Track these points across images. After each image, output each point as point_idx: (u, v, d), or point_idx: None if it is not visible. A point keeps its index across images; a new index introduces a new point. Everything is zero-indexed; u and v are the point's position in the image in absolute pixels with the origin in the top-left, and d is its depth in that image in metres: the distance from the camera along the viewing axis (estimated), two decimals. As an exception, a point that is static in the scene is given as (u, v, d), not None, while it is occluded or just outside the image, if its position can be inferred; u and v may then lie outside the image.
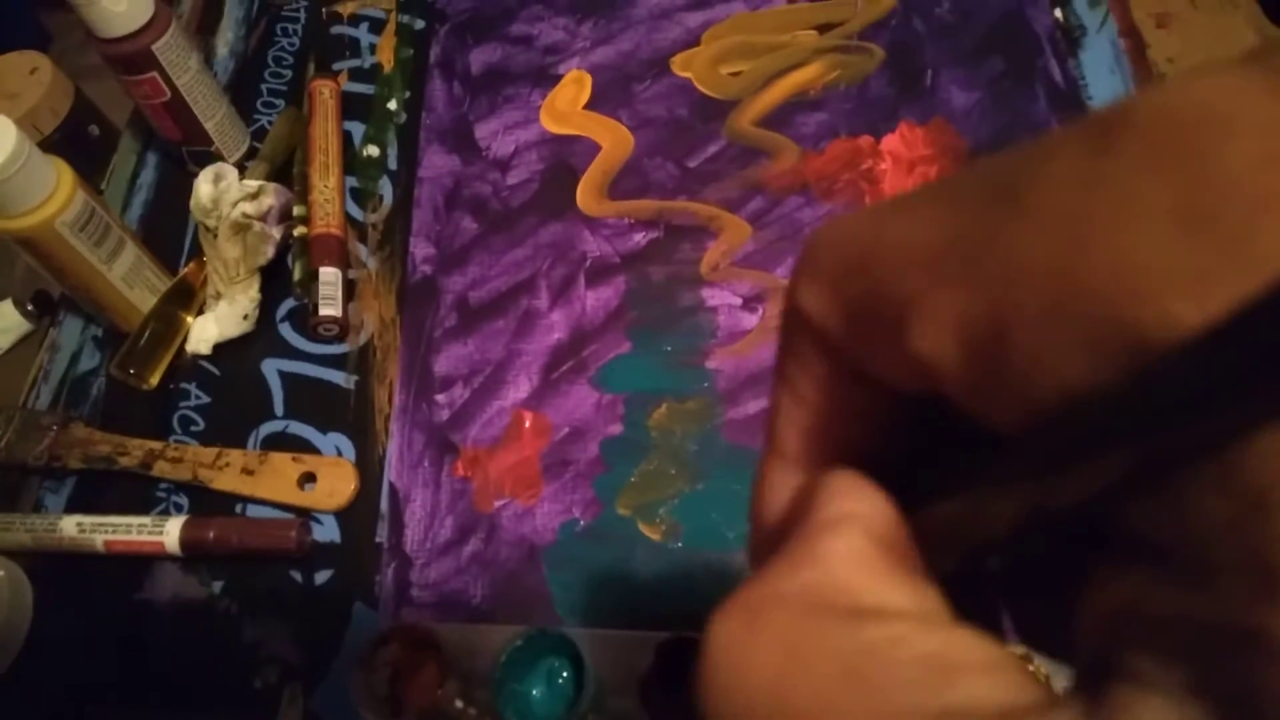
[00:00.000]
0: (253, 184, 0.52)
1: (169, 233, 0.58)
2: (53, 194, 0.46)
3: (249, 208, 0.52)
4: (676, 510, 0.46)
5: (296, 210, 0.56)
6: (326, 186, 0.55)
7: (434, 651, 0.39)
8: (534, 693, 0.40)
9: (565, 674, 0.40)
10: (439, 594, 0.46)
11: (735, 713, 0.13)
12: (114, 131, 0.70)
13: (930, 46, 0.58)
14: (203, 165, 0.53)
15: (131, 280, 0.52)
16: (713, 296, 0.51)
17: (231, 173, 0.53)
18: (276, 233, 0.53)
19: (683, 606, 0.43)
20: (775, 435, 0.16)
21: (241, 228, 0.52)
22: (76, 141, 0.71)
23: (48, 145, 0.67)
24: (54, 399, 0.54)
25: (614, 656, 0.38)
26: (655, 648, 0.36)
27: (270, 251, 0.53)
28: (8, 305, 0.61)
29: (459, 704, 0.38)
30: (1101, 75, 0.56)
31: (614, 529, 0.46)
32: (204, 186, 0.51)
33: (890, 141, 0.55)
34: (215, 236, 0.52)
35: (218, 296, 0.53)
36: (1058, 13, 0.58)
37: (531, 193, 0.56)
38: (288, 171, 0.58)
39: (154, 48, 0.51)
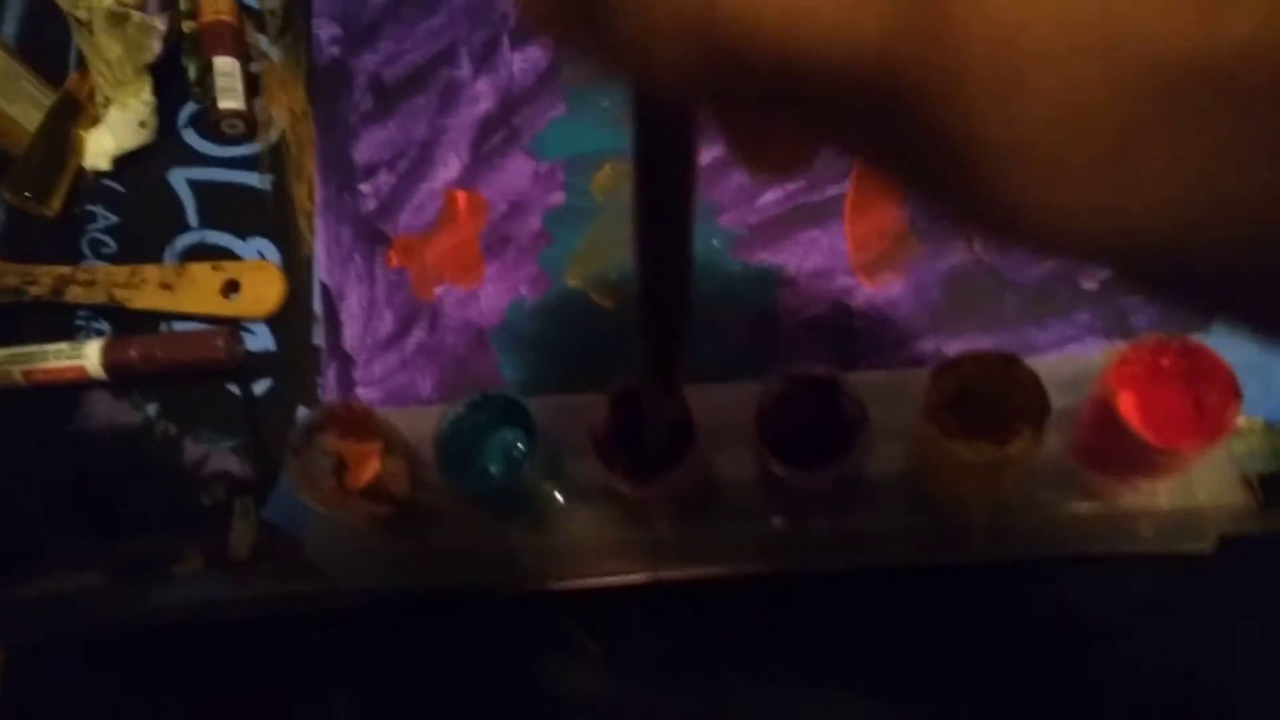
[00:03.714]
0: (120, -35, 0.46)
1: (52, 46, 0.51)
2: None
3: (121, -6, 0.46)
4: (629, 274, 0.42)
5: (183, 4, 0.50)
6: (211, -30, 0.49)
7: (376, 435, 0.36)
8: (491, 469, 0.37)
9: (520, 445, 0.37)
10: (385, 389, 0.43)
11: None
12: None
13: None
14: (66, -45, 0.47)
15: (8, 94, 0.46)
16: (652, 43, 0.46)
17: (97, -43, 0.47)
18: (160, 23, 0.48)
19: (643, 371, 0.40)
20: None
21: (119, 19, 0.46)
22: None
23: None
24: (-48, 237, 0.49)
25: (570, 421, 0.35)
26: (608, 398, 0.33)
27: (157, 46, 0.48)
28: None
29: (406, 485, 0.35)
30: None
31: (564, 302, 0.43)
32: (64, -29, 0.45)
33: None
34: (91, 32, 0.46)
35: (107, 103, 0.48)
36: None
37: (441, -48, 0.49)
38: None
39: None
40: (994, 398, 0.32)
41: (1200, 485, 0.33)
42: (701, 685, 0.38)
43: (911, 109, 0.12)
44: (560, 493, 0.37)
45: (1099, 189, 0.11)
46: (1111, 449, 0.32)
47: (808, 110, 0.14)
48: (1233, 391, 0.30)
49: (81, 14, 0.46)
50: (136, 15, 0.47)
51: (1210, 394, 0.30)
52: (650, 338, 0.23)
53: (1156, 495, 0.33)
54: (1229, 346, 0.37)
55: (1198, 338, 0.37)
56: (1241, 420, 0.36)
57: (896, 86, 0.12)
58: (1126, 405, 0.30)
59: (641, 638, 0.40)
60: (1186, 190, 0.11)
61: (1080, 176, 0.11)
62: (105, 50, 0.47)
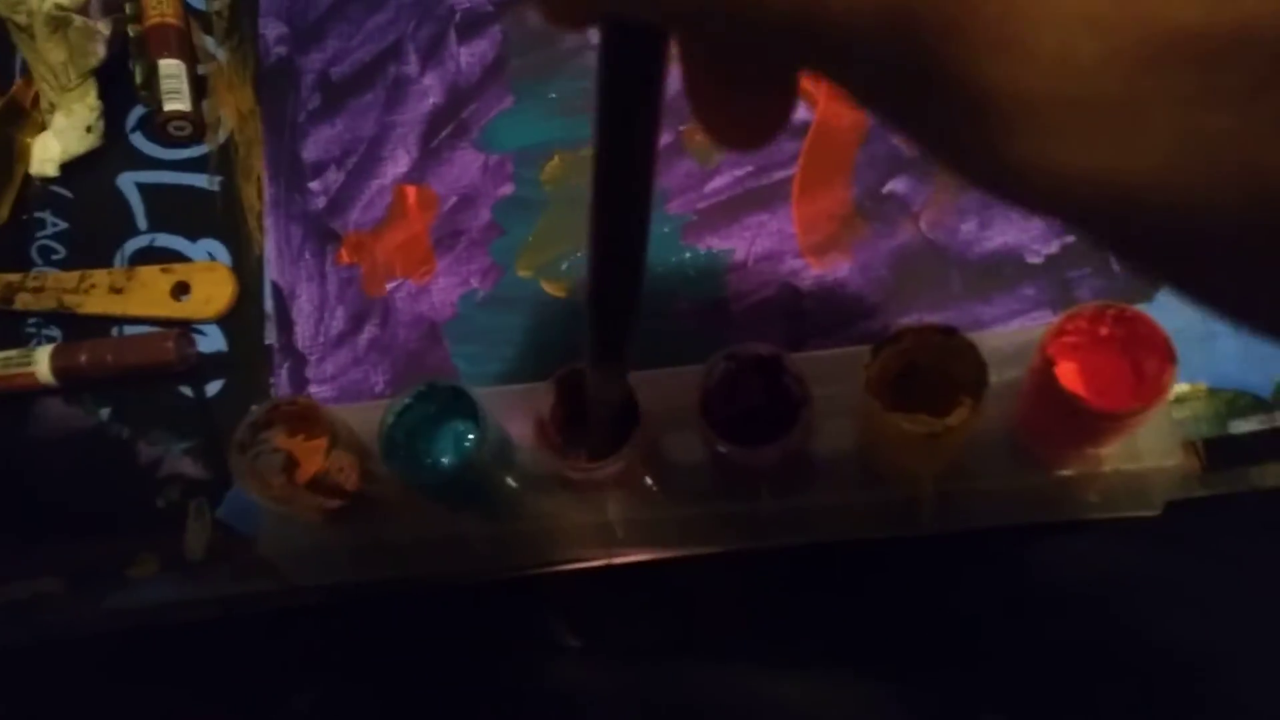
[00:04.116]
0: (59, -31, 0.46)
1: (-6, 53, 0.51)
2: None
3: (62, -2, 0.45)
4: (580, 263, 0.42)
5: (128, 8, 0.49)
6: (155, -28, 0.49)
7: (323, 429, 0.36)
8: (443, 460, 0.37)
9: (471, 435, 0.37)
10: (338, 386, 0.43)
11: None
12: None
13: None
14: (6, -39, 0.46)
15: (-50, 102, 0.46)
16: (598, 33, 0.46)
17: (37, -38, 0.46)
18: (104, 27, 0.47)
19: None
20: None
21: (60, 23, 0.46)
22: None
23: None
24: (-101, 248, 0.49)
25: (520, 409, 0.35)
26: (554, 384, 0.33)
27: (101, 51, 0.47)
28: None
29: (355, 478, 0.35)
30: None
31: (516, 292, 0.43)
32: (1, -25, 0.45)
33: None
34: (32, 38, 0.46)
35: (53, 109, 0.48)
36: None
37: (386, -51, 0.49)
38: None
39: None
40: (935, 370, 0.32)
41: (1144, 450, 0.33)
42: (663, 665, 0.38)
43: (918, 48, 0.12)
44: (513, 480, 0.37)
45: (1097, 151, 0.11)
46: (1053, 417, 0.32)
47: (803, 46, 0.13)
48: (1169, 356, 0.30)
49: (20, 19, 0.46)
50: (78, 20, 0.46)
51: (1148, 360, 0.31)
52: (600, 310, 0.22)
53: (1100, 462, 0.33)
54: (1173, 313, 0.38)
55: (1141, 307, 0.38)
56: (1185, 386, 0.36)
57: (903, 22, 0.12)
58: (1065, 373, 0.31)
59: (603, 622, 0.40)
60: (1186, 158, 0.11)
61: (1079, 137, 0.11)
62: (48, 56, 0.46)
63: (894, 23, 0.12)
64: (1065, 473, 0.34)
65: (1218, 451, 0.35)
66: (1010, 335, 0.36)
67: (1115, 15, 0.11)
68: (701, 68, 0.17)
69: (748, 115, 0.18)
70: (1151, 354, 0.30)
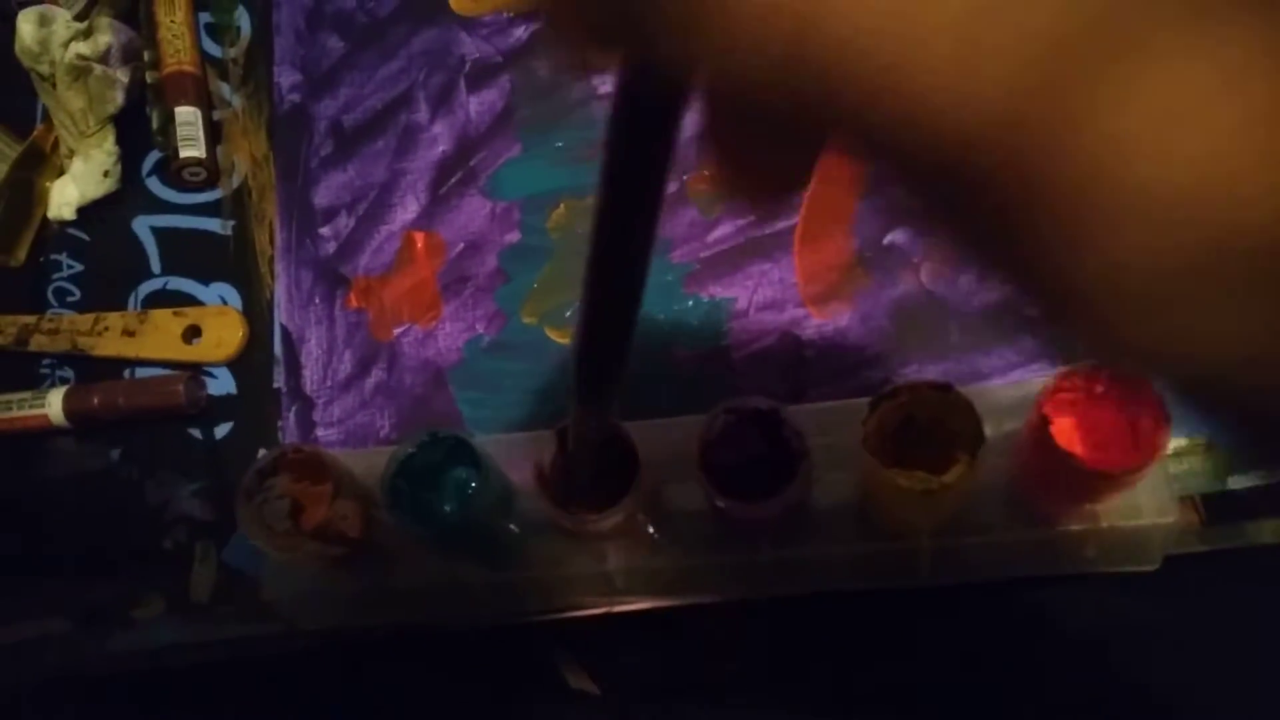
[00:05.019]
0: (79, 22, 0.47)
1: (16, 98, 0.52)
2: None
3: (83, 48, 0.47)
4: (584, 310, 0.43)
5: (147, 56, 0.51)
6: (174, 22, 0.50)
7: (327, 477, 0.36)
8: (446, 508, 0.37)
9: (474, 484, 0.37)
10: (345, 430, 0.43)
11: None
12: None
13: None
14: (29, 11, 0.48)
15: (-27, 148, 0.47)
16: (605, 83, 0.47)
17: (61, 12, 0.48)
18: (123, 76, 0.48)
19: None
20: None
21: (80, 72, 0.47)
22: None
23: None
24: (-81, 289, 0.50)
25: (522, 458, 0.36)
26: (554, 434, 0.34)
27: (120, 98, 0.48)
28: None
29: (359, 525, 0.36)
30: None
31: (521, 339, 0.43)
32: (26, 27, 0.46)
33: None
34: (54, 86, 0.47)
35: (71, 155, 0.49)
36: None
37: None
38: (136, 16, 0.53)
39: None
40: (933, 424, 0.32)
41: (1141, 506, 0.33)
42: (666, 709, 0.39)
43: (994, 177, 0.11)
44: (515, 527, 0.37)
45: (1173, 333, 0.11)
46: (1049, 473, 0.32)
47: (864, 136, 0.12)
48: (1163, 415, 0.30)
49: (44, 69, 0.47)
50: (98, 69, 0.47)
51: (1143, 418, 0.31)
52: (587, 352, 0.22)
53: (1098, 517, 0.33)
54: (1169, 368, 0.38)
55: (1138, 360, 0.38)
56: (1184, 442, 0.37)
57: (1005, 144, 0.11)
58: (1061, 430, 0.31)
59: (605, 669, 0.40)
60: (1263, 349, 0.11)
61: (1150, 316, 0.11)
62: (68, 103, 0.48)
63: (994, 140, 0.11)
64: (1063, 527, 0.34)
65: (1216, 507, 0.36)
66: (1009, 389, 0.37)
67: (1198, 220, 0.11)
68: (729, 119, 0.16)
69: (770, 170, 0.17)
70: (1146, 412, 0.31)
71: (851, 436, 0.32)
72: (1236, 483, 0.36)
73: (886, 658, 0.37)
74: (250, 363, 0.45)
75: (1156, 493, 0.33)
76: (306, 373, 0.44)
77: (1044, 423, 0.31)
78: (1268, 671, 0.35)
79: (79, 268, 0.49)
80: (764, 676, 0.38)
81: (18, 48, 0.47)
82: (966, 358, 0.39)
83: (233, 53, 0.52)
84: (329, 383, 0.44)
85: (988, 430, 0.31)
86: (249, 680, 0.41)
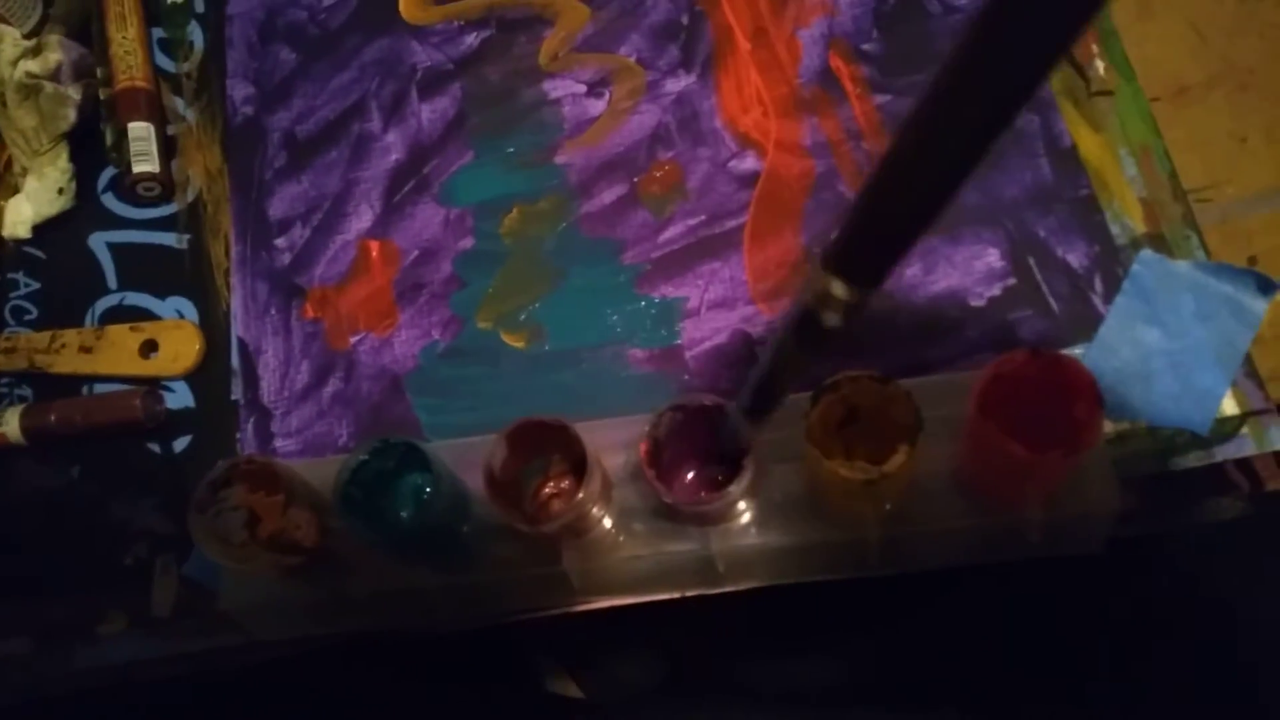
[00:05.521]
0: (28, 40, 0.47)
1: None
2: None
3: (33, 65, 0.47)
4: (538, 314, 0.43)
5: (99, 72, 0.51)
6: (125, 38, 0.50)
7: (282, 486, 0.37)
8: (403, 514, 0.38)
9: (428, 489, 0.37)
10: (303, 440, 0.43)
11: None
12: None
13: None
14: (-22, 31, 0.48)
15: (-76, 168, 0.47)
16: (555, 88, 0.47)
17: (9, 31, 0.48)
18: (74, 93, 0.48)
19: (556, 405, 0.40)
20: None
21: (31, 90, 0.47)
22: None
23: None
24: (-125, 312, 0.50)
25: (476, 462, 0.36)
26: (504, 437, 0.34)
27: (72, 115, 0.49)
28: None
29: (314, 534, 0.36)
30: None
31: (476, 344, 0.43)
32: (-27, 47, 0.46)
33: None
34: (4, 105, 0.47)
35: (25, 173, 0.49)
36: None
37: (350, 10, 0.51)
38: (88, 32, 0.53)
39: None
40: (876, 416, 0.33)
41: (1083, 491, 0.34)
42: (621, 710, 0.39)
43: None
44: (469, 531, 0.38)
45: None
46: (990, 461, 0.33)
47: None
48: (1097, 400, 0.31)
49: (-7, 88, 0.47)
50: (49, 86, 0.47)
51: (1078, 404, 0.31)
52: (767, 395, 0.29)
53: (1041, 503, 0.34)
54: (1111, 354, 0.39)
55: (1081, 348, 0.39)
56: (1125, 424, 0.37)
57: None
58: (999, 419, 0.31)
59: (569, 667, 0.40)
60: None
61: None
62: (20, 121, 0.48)
63: None
64: (1007, 515, 0.34)
65: (1158, 489, 0.36)
66: (951, 379, 0.37)
67: None
68: None
69: None
70: (1080, 399, 0.31)
71: (799, 429, 0.33)
72: (1178, 464, 0.36)
73: (841, 648, 0.37)
74: (208, 376, 0.45)
75: (1099, 477, 0.34)
76: (264, 384, 0.45)
77: (982, 412, 0.31)
78: (1206, 651, 0.35)
79: (35, 285, 0.49)
80: (709, 673, 0.38)
81: (-34, 68, 0.47)
82: (914, 348, 0.40)
83: (186, 67, 0.52)
84: (286, 393, 0.44)
85: (931, 420, 0.31)
86: (213, 695, 0.41)
